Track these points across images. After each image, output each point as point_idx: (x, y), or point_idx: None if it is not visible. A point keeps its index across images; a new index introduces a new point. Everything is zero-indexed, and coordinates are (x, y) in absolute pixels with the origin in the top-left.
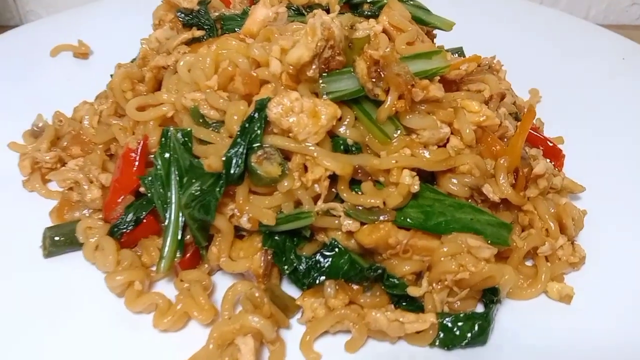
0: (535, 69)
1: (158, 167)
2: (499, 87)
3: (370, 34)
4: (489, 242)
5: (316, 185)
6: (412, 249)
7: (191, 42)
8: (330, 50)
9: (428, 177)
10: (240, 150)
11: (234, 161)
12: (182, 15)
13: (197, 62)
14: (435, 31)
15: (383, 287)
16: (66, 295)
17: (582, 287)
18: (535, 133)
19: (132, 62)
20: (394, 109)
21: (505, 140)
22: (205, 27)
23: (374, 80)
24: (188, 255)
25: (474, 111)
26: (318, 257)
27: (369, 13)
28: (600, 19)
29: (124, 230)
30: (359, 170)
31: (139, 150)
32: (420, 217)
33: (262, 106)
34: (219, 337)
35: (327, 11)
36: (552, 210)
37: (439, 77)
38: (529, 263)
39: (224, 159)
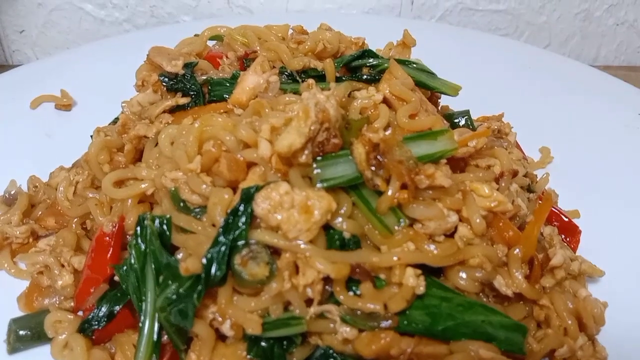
0: (545, 124)
1: (133, 259)
2: (510, 164)
3: (369, 105)
4: (502, 349)
5: (309, 289)
6: (417, 357)
7: (175, 109)
8: (325, 133)
9: (434, 269)
10: (223, 249)
11: (214, 263)
12: (166, 79)
13: (180, 136)
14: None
15: None
16: None
17: None
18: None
19: (113, 122)
20: (395, 200)
21: (517, 219)
22: (191, 93)
23: (373, 168)
24: (165, 358)
25: (485, 196)
26: None
27: (369, 77)
28: (611, 59)
29: (96, 327)
30: (357, 269)
31: (114, 234)
32: (426, 321)
33: (248, 197)
34: None
35: (323, 77)
36: (571, 306)
37: (445, 161)
38: None
39: (204, 261)
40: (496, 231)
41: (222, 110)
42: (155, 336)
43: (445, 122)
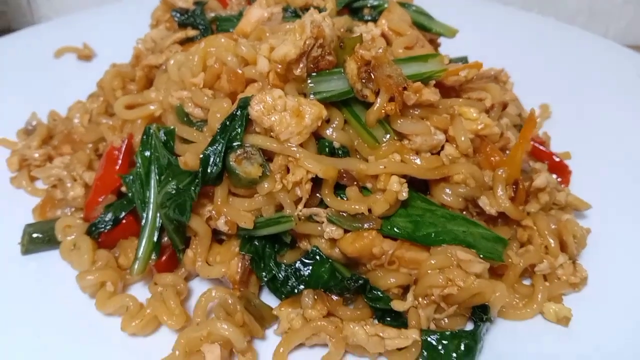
0: (546, 84)
1: (138, 165)
2: (501, 96)
3: (367, 39)
4: (482, 256)
5: (297, 189)
6: (399, 260)
7: (185, 42)
8: (319, 50)
9: (421, 186)
10: (219, 148)
11: (211, 159)
12: (178, 15)
13: (187, 61)
14: (441, 40)
15: (366, 300)
16: (38, 293)
17: (581, 309)
18: (541, 147)
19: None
20: (383, 111)
21: (507, 152)
22: (200, 27)
23: (363, 81)
24: (164, 258)
25: (472, 119)
26: (298, 264)
27: (369, 18)
28: (619, 38)
29: (102, 230)
30: (344, 175)
31: (123, 149)
32: (408, 227)
33: (245, 104)
34: (186, 344)
35: None
36: (553, 227)
37: (434, 82)
38: (527, 282)
39: (201, 156)
40: (483, 156)
41: (231, 39)
42: (155, 236)
43: None
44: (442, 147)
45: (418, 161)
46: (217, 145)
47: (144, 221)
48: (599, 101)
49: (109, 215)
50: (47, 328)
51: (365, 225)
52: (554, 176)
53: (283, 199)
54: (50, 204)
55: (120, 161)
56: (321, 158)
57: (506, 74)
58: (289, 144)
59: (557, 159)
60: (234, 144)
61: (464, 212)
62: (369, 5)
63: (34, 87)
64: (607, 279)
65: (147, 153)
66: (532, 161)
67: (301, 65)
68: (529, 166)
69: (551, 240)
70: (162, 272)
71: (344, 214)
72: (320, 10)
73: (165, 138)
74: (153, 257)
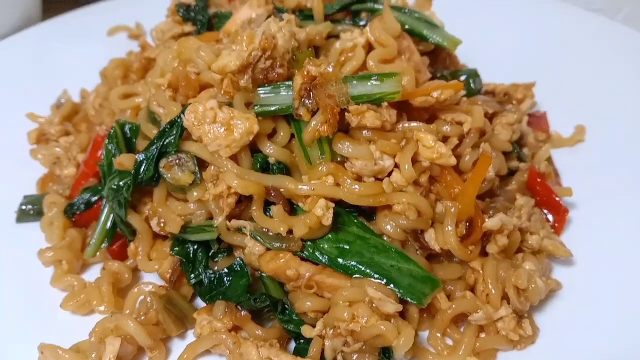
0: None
1: (103, 156)
2: (481, 123)
3: (349, 47)
4: (401, 295)
5: (221, 201)
6: (319, 285)
7: (182, 37)
8: (268, 61)
9: (369, 212)
10: (153, 153)
11: (144, 164)
12: (181, 10)
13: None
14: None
15: (277, 321)
16: (16, 257)
17: None
18: (541, 181)
19: None
20: (317, 133)
21: (485, 183)
22: (199, 23)
23: (303, 98)
24: (117, 245)
25: (428, 147)
26: (223, 274)
27: (364, 22)
28: None
29: (76, 211)
30: (272, 192)
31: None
32: (333, 253)
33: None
34: (100, 332)
35: (312, 17)
36: (503, 275)
37: (386, 103)
38: None
39: (137, 158)
40: (444, 185)
41: (215, 39)
42: (109, 224)
43: (427, 73)
44: (390, 173)
45: (355, 186)
46: (152, 149)
47: (101, 210)
48: None
49: (84, 198)
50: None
51: (284, 246)
52: (550, 216)
53: (213, 208)
54: (51, 179)
55: (103, 149)
56: (248, 173)
57: (527, 92)
58: (219, 156)
59: (557, 198)
60: (168, 149)
61: (406, 245)
62: (367, 9)
63: (86, 62)
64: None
65: (111, 146)
66: (519, 195)
67: (246, 77)
68: (496, 202)
69: (493, 289)
70: (116, 259)
71: (267, 231)
72: (302, 14)
73: (129, 134)
74: (104, 244)
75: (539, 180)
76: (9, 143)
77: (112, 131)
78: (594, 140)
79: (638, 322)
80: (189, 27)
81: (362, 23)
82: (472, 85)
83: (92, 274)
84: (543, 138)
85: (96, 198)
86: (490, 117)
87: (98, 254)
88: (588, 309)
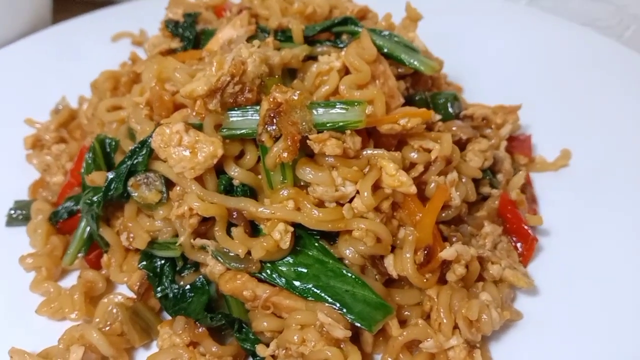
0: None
1: (83, 168)
2: (449, 151)
3: (324, 70)
4: (351, 320)
5: (184, 221)
6: (276, 306)
7: (169, 53)
8: (238, 86)
9: (332, 234)
10: (123, 171)
11: (114, 181)
12: (169, 25)
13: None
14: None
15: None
16: (3, 259)
17: None
18: (512, 208)
19: None
20: (278, 159)
21: (451, 209)
22: (186, 39)
23: (266, 125)
24: (93, 254)
25: (390, 174)
26: (187, 289)
27: (343, 44)
28: None
29: (59, 219)
30: (234, 214)
31: None
32: (290, 276)
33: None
34: (67, 339)
35: (290, 40)
36: (457, 305)
37: (349, 131)
38: None
39: (109, 176)
40: (406, 212)
41: (197, 57)
42: (86, 234)
43: (400, 99)
44: (352, 199)
45: (314, 211)
46: (122, 167)
47: (80, 220)
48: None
49: (67, 207)
50: None
51: (243, 267)
52: (519, 244)
53: (178, 227)
54: (41, 185)
55: None
56: (210, 195)
57: (510, 114)
58: (183, 177)
59: (526, 227)
60: (138, 168)
61: (365, 269)
62: (347, 31)
63: (85, 68)
64: None
65: (89, 160)
66: (487, 222)
67: (214, 101)
68: (463, 231)
69: (444, 318)
70: (93, 268)
71: (228, 251)
72: (284, 34)
73: (109, 148)
74: (80, 254)
75: (509, 207)
76: (10, 146)
77: (92, 145)
78: (578, 165)
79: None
80: (175, 43)
81: (341, 45)
82: (449, 109)
83: (71, 280)
84: (524, 162)
85: (78, 207)
86: (465, 143)
87: (76, 261)
88: (546, 340)
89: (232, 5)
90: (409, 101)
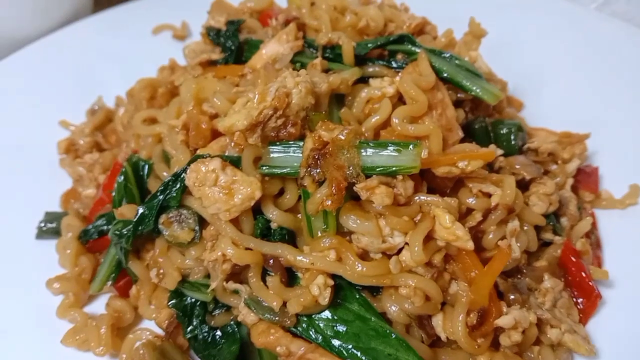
0: None
1: (115, 190)
2: (511, 198)
3: (376, 97)
4: None
5: (217, 266)
6: None
7: (209, 64)
8: (281, 119)
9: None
10: (155, 206)
11: (146, 217)
12: (211, 33)
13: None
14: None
15: None
16: (26, 277)
17: None
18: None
19: None
20: (321, 206)
21: (510, 262)
22: (227, 50)
23: (309, 167)
24: (122, 282)
25: (445, 226)
26: (217, 333)
27: (398, 65)
28: None
29: (89, 238)
30: (271, 261)
31: None
32: (327, 333)
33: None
34: None
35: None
36: None
37: (401, 176)
38: None
39: (140, 210)
40: (460, 267)
41: (239, 74)
42: (115, 261)
43: (459, 132)
44: (400, 250)
45: (358, 265)
46: (154, 202)
47: (109, 245)
48: None
49: (98, 225)
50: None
51: (277, 319)
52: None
53: (211, 269)
54: (74, 195)
55: None
56: (245, 239)
57: (577, 146)
58: (220, 218)
59: (590, 283)
60: (170, 203)
61: (410, 329)
62: (403, 51)
63: (125, 64)
64: None
65: (121, 180)
66: (547, 275)
67: (255, 136)
68: (519, 294)
69: None
70: (123, 296)
71: (262, 300)
72: (332, 51)
73: (142, 171)
74: (109, 282)
75: (573, 258)
76: (44, 148)
77: (123, 169)
78: None
79: None
80: (216, 55)
81: (395, 66)
82: (512, 141)
83: (100, 304)
84: (590, 198)
85: (109, 227)
86: (527, 183)
87: (105, 287)
88: None
89: (278, 11)
90: (468, 130)
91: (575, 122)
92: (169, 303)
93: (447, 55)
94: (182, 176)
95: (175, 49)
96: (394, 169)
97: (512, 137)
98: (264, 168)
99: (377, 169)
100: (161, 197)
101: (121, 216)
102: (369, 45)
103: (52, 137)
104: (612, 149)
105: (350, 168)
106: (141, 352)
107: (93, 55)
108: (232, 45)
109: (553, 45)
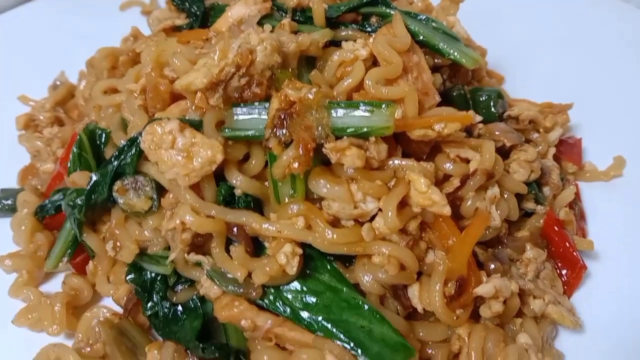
0: None
1: (70, 161)
2: (490, 163)
3: (348, 59)
4: None
5: (175, 236)
6: (279, 337)
7: (173, 31)
8: (244, 79)
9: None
10: (109, 173)
11: (98, 184)
12: None
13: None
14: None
15: None
16: None
17: None
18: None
19: None
20: (287, 169)
21: (490, 230)
22: (192, 15)
23: (274, 128)
24: (79, 258)
25: (420, 191)
26: (178, 309)
27: (372, 29)
28: None
29: (46, 214)
30: (235, 229)
31: None
32: (296, 305)
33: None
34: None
35: (311, 20)
36: (491, 348)
37: (374, 138)
38: None
39: (93, 178)
40: (437, 234)
41: (203, 38)
42: (71, 236)
43: (435, 97)
44: (373, 217)
45: (328, 232)
46: (108, 169)
47: (65, 220)
48: None
49: (54, 201)
50: None
51: (241, 291)
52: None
53: (170, 239)
54: (31, 172)
55: None
56: (207, 206)
57: (560, 115)
58: (177, 184)
59: (575, 253)
60: (126, 170)
61: (384, 300)
62: (377, 13)
63: (96, 39)
64: None
65: (75, 150)
66: (533, 248)
67: (216, 96)
68: (499, 261)
69: None
70: (77, 272)
71: (225, 272)
72: (303, 14)
73: (99, 140)
74: (65, 258)
75: (555, 228)
76: (2, 125)
77: (78, 137)
78: (633, 175)
79: None
80: (181, 20)
81: (369, 29)
82: (492, 108)
83: (56, 282)
84: (573, 170)
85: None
86: (508, 150)
87: (61, 264)
88: None
89: None
90: (445, 97)
91: (558, 95)
92: (127, 278)
93: (423, 17)
94: (137, 140)
95: (144, 25)
96: (365, 129)
97: (492, 104)
98: (227, 130)
99: (348, 130)
100: (115, 163)
101: (73, 184)
102: (342, 8)
103: (11, 114)
104: (596, 121)
105: (319, 128)
106: (97, 330)
107: (60, 33)
108: (197, 10)
109: (534, 17)
